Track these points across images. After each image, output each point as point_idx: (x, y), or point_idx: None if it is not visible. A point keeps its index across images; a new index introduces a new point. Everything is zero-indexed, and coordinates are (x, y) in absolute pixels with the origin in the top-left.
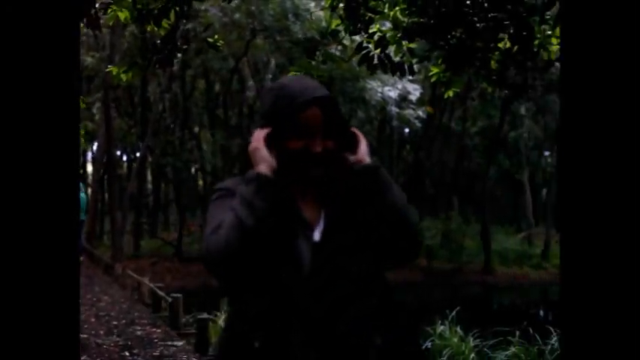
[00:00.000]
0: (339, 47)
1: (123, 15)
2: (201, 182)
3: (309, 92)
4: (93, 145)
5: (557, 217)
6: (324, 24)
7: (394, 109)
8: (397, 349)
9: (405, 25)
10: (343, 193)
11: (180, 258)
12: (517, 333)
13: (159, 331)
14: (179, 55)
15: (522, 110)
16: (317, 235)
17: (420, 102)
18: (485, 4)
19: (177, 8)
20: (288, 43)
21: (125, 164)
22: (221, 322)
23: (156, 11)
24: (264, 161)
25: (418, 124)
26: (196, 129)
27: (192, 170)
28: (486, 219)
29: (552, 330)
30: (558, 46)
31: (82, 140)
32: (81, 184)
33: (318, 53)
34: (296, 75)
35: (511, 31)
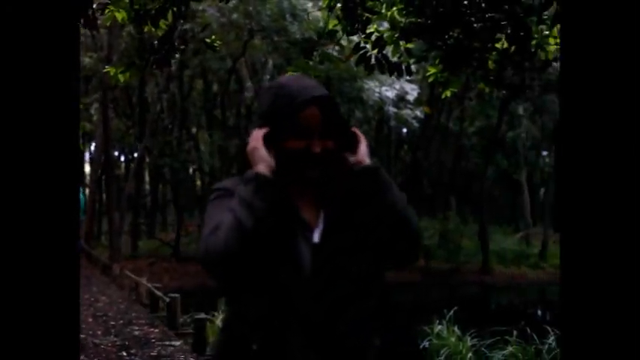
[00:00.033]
0: (337, 47)
1: (120, 15)
2: (199, 183)
3: (308, 92)
4: (90, 145)
5: (555, 217)
6: (321, 24)
7: (392, 109)
8: (395, 349)
9: (402, 25)
10: (342, 194)
11: (177, 258)
12: (514, 332)
13: (156, 331)
14: (177, 55)
15: (520, 110)
16: (316, 236)
17: (418, 102)
18: (483, 5)
19: (175, 8)
20: (285, 44)
21: (123, 165)
22: (218, 322)
23: (153, 11)
24: (263, 161)
25: (416, 124)
26: (194, 129)
27: (190, 171)
28: (484, 219)
29: (550, 330)
30: (556, 46)
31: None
32: None
33: (315, 53)
34: (294, 74)
35: (508, 31)
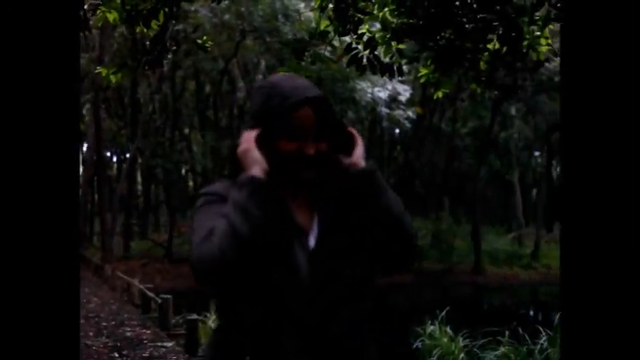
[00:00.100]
0: (329, 48)
1: (112, 16)
2: (191, 183)
3: (300, 92)
4: (82, 146)
5: (547, 218)
6: (313, 25)
7: (384, 110)
8: (390, 351)
9: (394, 25)
10: (337, 196)
11: (170, 259)
12: (507, 333)
13: (148, 332)
14: (169, 56)
15: (512, 111)
16: (312, 241)
17: (410, 103)
18: (474, 5)
19: (167, 9)
20: (278, 44)
21: (115, 165)
22: (211, 323)
23: (145, 12)
24: (257, 164)
25: (408, 125)
26: (186, 130)
27: (183, 171)
28: (477, 219)
29: (542, 330)
30: (547, 47)
31: None
32: None
33: (307, 54)
34: (286, 73)
35: (500, 31)
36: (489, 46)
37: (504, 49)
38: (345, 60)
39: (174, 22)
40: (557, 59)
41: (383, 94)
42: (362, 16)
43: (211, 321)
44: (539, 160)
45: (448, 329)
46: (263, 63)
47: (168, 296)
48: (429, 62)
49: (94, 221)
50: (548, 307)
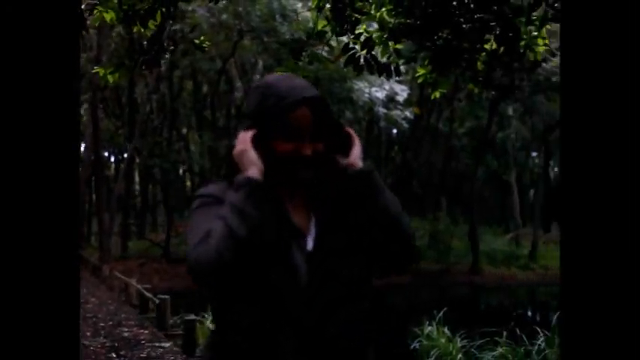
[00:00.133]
0: (326, 48)
1: (109, 16)
2: (189, 183)
3: (297, 92)
4: (80, 146)
5: (545, 218)
6: (311, 25)
7: (382, 110)
8: (388, 351)
9: (391, 25)
10: (334, 197)
11: (168, 259)
12: (504, 333)
13: (146, 332)
14: (166, 56)
15: (510, 111)
16: (309, 242)
17: (408, 103)
18: (472, 5)
19: (164, 9)
20: (275, 44)
21: (113, 165)
22: (208, 323)
23: (142, 12)
24: (254, 165)
25: (406, 125)
26: (184, 130)
27: (180, 171)
28: (474, 219)
29: (539, 330)
30: (544, 47)
31: None
32: None
33: (304, 54)
34: (283, 73)
35: (497, 32)
36: (487, 46)
37: (502, 49)
38: (342, 60)
39: (171, 21)
40: (555, 59)
41: (380, 94)
42: (359, 16)
43: (209, 322)
44: (536, 160)
45: (446, 330)
46: (260, 63)
47: (166, 296)
48: (426, 62)
49: (91, 221)
50: (546, 307)
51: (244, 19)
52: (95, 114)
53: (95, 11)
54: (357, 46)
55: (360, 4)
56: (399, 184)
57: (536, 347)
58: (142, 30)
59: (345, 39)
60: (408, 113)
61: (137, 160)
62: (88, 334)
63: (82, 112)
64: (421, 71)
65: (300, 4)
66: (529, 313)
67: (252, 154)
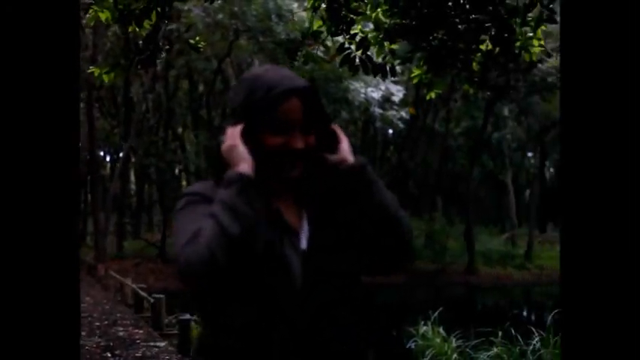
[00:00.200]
0: (322, 48)
1: (104, 15)
2: (184, 183)
3: (287, 82)
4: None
5: (540, 218)
6: (306, 25)
7: (377, 110)
8: (383, 352)
9: (386, 26)
10: (326, 193)
11: (163, 259)
12: (499, 333)
13: (141, 331)
14: (162, 55)
15: (505, 111)
16: (303, 240)
17: (404, 103)
18: (467, 6)
19: (159, 9)
20: (271, 44)
21: (108, 165)
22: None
23: (137, 12)
24: (244, 160)
25: (401, 125)
26: (180, 129)
27: (176, 171)
28: (470, 220)
29: (534, 331)
30: (540, 48)
31: None
32: None
33: (299, 54)
34: (270, 65)
35: (493, 32)
36: (482, 46)
37: (497, 50)
38: (337, 60)
39: (166, 21)
40: (550, 60)
41: (376, 95)
42: (354, 17)
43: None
44: (532, 160)
45: (441, 330)
46: (256, 63)
47: (161, 296)
48: (421, 63)
49: (87, 221)
50: (541, 307)
51: (240, 19)
52: (91, 113)
53: (90, 11)
54: (353, 47)
55: (356, 4)
56: (394, 185)
57: (531, 347)
58: (138, 30)
59: (340, 39)
60: (403, 113)
61: (133, 160)
62: (83, 333)
63: None
64: (417, 72)
65: (295, 4)
66: (524, 313)
67: (242, 150)
